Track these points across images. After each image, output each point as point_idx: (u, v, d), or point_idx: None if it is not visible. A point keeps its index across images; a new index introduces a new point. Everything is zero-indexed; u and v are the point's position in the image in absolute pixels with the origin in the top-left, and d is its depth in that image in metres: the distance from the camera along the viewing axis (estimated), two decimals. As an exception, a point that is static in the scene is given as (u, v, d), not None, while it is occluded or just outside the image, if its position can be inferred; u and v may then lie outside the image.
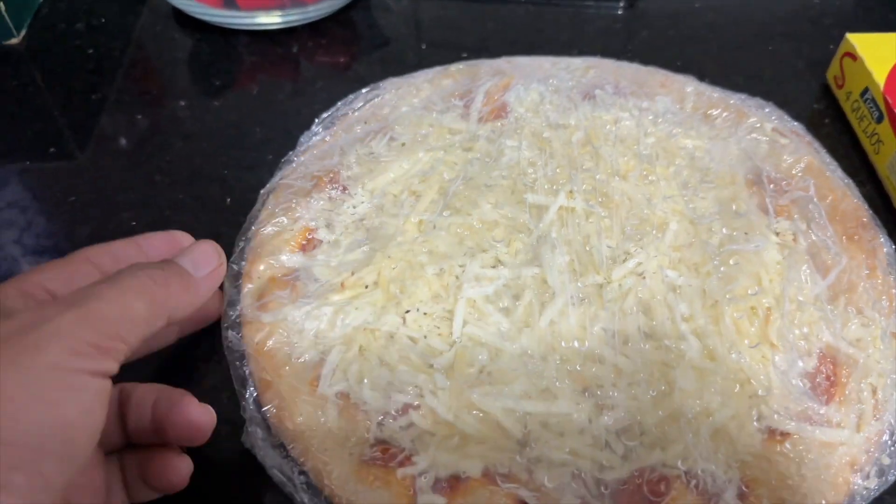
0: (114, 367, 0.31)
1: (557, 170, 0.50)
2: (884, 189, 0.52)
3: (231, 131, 0.59)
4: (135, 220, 0.53)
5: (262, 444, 0.41)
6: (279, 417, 0.41)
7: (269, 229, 0.48)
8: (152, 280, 0.34)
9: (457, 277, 0.45)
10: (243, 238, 0.49)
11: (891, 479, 0.39)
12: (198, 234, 0.50)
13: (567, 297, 0.44)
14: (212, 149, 0.57)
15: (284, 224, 0.48)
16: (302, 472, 0.39)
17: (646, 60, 0.59)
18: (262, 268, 0.46)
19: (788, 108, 0.55)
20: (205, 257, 0.39)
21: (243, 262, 0.47)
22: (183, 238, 0.43)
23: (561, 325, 0.43)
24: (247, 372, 0.43)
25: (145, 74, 0.64)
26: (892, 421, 0.41)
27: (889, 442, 0.40)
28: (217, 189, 0.54)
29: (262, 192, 0.51)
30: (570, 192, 0.48)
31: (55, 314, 0.29)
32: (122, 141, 0.58)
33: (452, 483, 0.39)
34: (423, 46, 0.66)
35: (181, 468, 0.38)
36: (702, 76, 0.57)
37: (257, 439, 0.41)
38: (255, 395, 0.42)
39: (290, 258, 0.47)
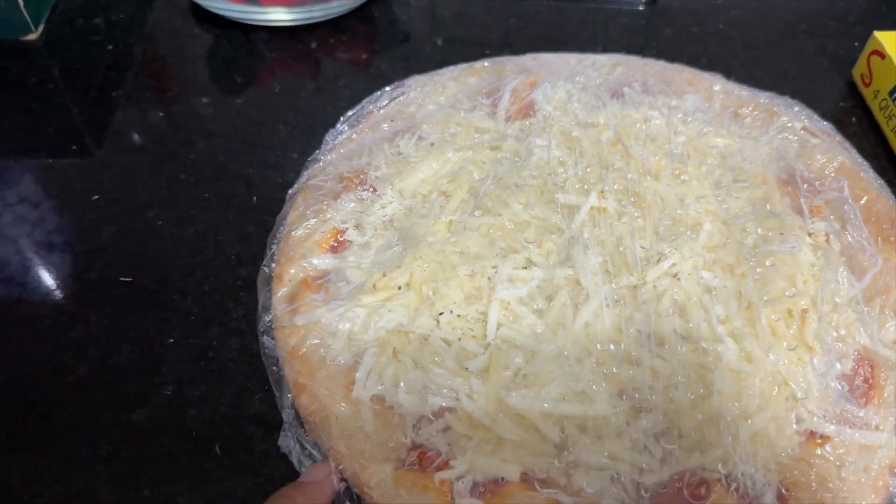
0: None
1: (588, 169, 0.49)
2: (914, 188, 0.52)
3: (254, 129, 0.58)
4: (160, 219, 0.52)
5: (298, 449, 0.40)
6: (316, 421, 0.40)
7: (299, 232, 0.48)
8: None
9: (489, 279, 0.45)
10: (274, 241, 0.48)
11: (928, 481, 0.39)
12: (225, 234, 0.51)
13: (601, 298, 0.44)
14: (235, 147, 0.57)
15: (314, 226, 0.48)
16: (342, 479, 0.39)
17: (669, 57, 0.59)
18: (293, 271, 0.46)
19: (814, 106, 0.54)
20: (317, 471, 0.40)
21: (274, 265, 0.47)
22: None
23: (596, 326, 0.43)
24: (282, 374, 0.42)
25: (164, 71, 0.64)
26: (930, 424, 0.40)
27: (927, 444, 0.40)
28: (242, 188, 0.54)
29: (289, 192, 0.51)
30: (602, 191, 0.48)
31: None
32: (142, 138, 0.58)
33: (491, 487, 0.38)
34: (439, 42, 0.65)
35: None
36: (727, 73, 0.57)
37: (294, 442, 0.41)
38: (291, 399, 0.42)
39: (321, 260, 0.46)
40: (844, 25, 0.66)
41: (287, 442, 0.41)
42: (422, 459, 0.39)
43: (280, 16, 0.64)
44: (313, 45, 0.65)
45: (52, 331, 0.47)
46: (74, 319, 0.47)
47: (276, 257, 0.47)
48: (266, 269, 0.47)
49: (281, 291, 0.45)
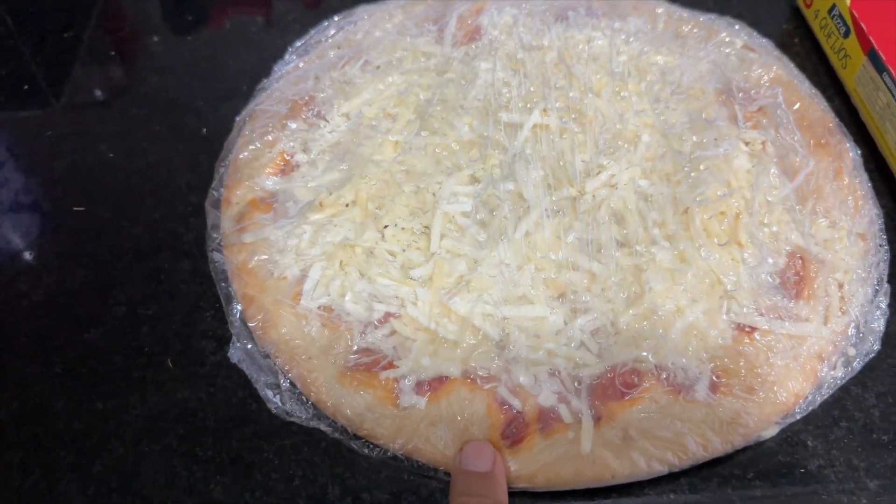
0: None
1: (532, 89, 0.50)
2: (851, 103, 0.53)
3: (204, 64, 0.59)
4: (112, 151, 0.53)
5: (248, 358, 0.42)
6: (264, 329, 0.42)
7: (245, 154, 0.48)
8: None
9: (433, 194, 0.46)
10: (222, 165, 0.49)
11: (856, 368, 0.41)
12: (176, 164, 0.52)
13: (542, 209, 0.45)
14: (186, 81, 0.58)
15: (261, 149, 0.48)
16: (288, 382, 0.40)
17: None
18: (241, 192, 0.47)
19: (758, 29, 0.55)
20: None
21: (222, 189, 0.48)
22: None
23: (536, 235, 0.44)
24: (231, 290, 0.44)
25: (117, 11, 0.64)
26: (857, 314, 0.42)
27: (854, 334, 0.42)
28: (193, 119, 0.55)
29: (237, 118, 0.51)
30: (545, 109, 0.49)
31: None
32: (97, 75, 0.59)
33: (434, 385, 0.40)
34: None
35: None
36: (673, 2, 0.58)
37: (244, 353, 0.42)
38: (240, 312, 0.43)
39: (268, 181, 0.47)
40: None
41: (237, 353, 0.42)
42: (368, 361, 0.40)
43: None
44: None
45: (6, 259, 0.47)
46: (29, 247, 0.48)
47: (224, 181, 0.48)
48: (214, 193, 0.48)
49: (229, 212, 0.46)
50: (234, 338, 0.42)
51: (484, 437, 0.38)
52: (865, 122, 0.52)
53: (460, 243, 0.44)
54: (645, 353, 0.40)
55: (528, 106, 0.49)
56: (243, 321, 0.43)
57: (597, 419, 0.39)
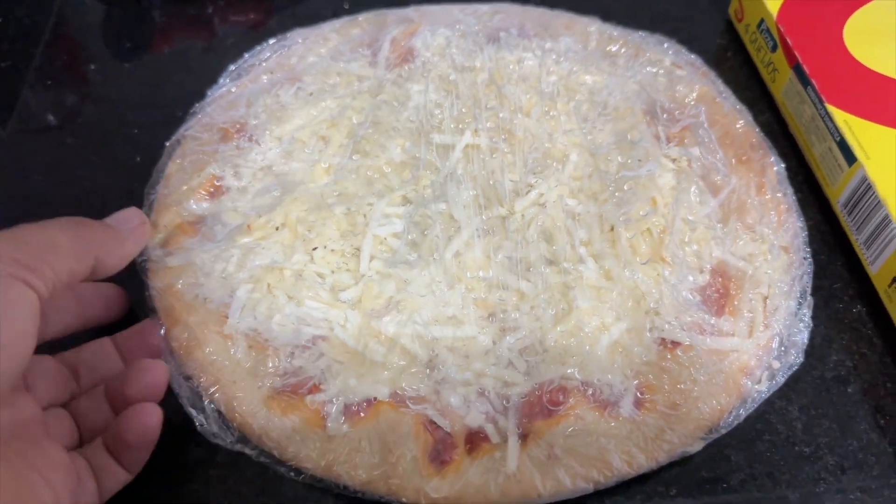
0: (40, 286, 0.32)
1: (463, 110, 0.51)
2: (781, 116, 0.55)
3: (142, 92, 0.59)
4: (46, 181, 0.53)
5: (173, 378, 0.41)
6: (187, 349, 0.41)
7: (174, 180, 0.48)
8: (75, 222, 0.36)
9: (364, 216, 0.46)
10: (152, 191, 0.49)
11: (780, 381, 0.41)
12: (110, 192, 0.51)
13: (472, 229, 0.45)
14: (122, 109, 0.58)
15: (190, 173, 0.48)
16: (212, 405, 0.40)
17: (556, 3, 0.60)
18: (168, 216, 0.46)
19: (693, 44, 0.57)
20: (126, 215, 0.41)
21: (152, 215, 0.47)
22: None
23: (466, 256, 0.44)
24: (156, 314, 0.43)
25: (55, 40, 0.63)
26: (781, 328, 0.43)
27: (777, 347, 0.42)
28: (128, 148, 0.55)
29: (167, 144, 0.51)
30: (475, 130, 0.49)
31: None
32: (34, 109, 0.58)
33: (362, 408, 0.40)
34: (346, 7, 0.66)
35: (152, 412, 0.37)
36: (609, 17, 0.59)
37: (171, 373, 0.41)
38: (163, 331, 0.42)
39: (197, 206, 0.47)
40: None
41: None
42: (293, 386, 0.40)
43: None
44: (209, 10, 0.65)
45: None
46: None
47: (153, 206, 0.47)
48: (143, 220, 0.47)
49: (156, 237, 0.45)
50: (162, 356, 0.42)
51: (412, 460, 0.38)
52: (794, 135, 0.54)
53: (390, 264, 0.44)
54: (571, 370, 0.40)
55: (460, 127, 0.50)
56: (167, 341, 0.42)
57: (523, 438, 0.39)
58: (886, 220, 0.45)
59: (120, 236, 0.39)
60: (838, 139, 0.49)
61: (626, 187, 0.46)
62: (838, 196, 0.50)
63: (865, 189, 0.47)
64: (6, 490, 0.29)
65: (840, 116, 0.49)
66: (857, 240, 0.48)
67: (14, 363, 0.31)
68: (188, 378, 0.41)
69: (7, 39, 0.63)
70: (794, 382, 0.43)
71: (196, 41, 0.63)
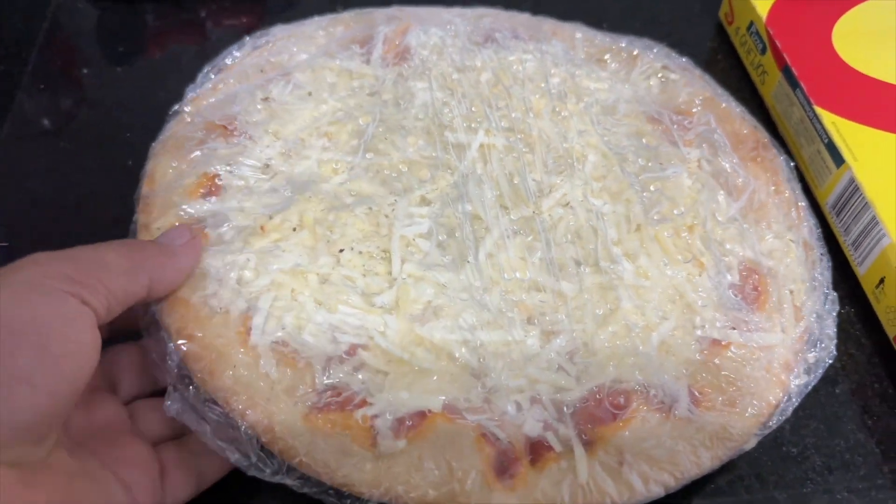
0: (95, 303, 0.31)
1: (473, 109, 0.49)
2: (771, 118, 0.56)
3: (135, 95, 0.58)
4: (40, 187, 0.52)
5: (188, 408, 0.36)
6: (210, 374, 0.36)
7: (164, 180, 0.43)
8: (126, 243, 0.36)
9: (387, 216, 0.43)
10: (139, 195, 0.43)
11: (818, 374, 0.42)
12: (104, 197, 0.51)
13: (501, 230, 0.43)
14: (116, 114, 0.57)
15: (182, 171, 0.43)
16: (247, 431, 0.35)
17: (546, 9, 0.59)
18: (161, 219, 0.41)
19: (684, 47, 0.57)
20: (176, 233, 0.39)
21: (141, 218, 0.42)
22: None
23: (499, 257, 0.42)
24: (162, 331, 0.37)
25: (49, 44, 0.62)
26: (811, 322, 0.43)
27: (811, 341, 0.43)
28: (122, 151, 0.53)
29: (153, 145, 0.46)
30: (488, 129, 0.47)
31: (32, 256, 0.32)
32: (27, 110, 0.57)
33: (415, 422, 0.36)
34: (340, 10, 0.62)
35: None
36: (600, 22, 0.59)
37: (182, 402, 0.36)
38: (176, 353, 0.37)
39: (193, 205, 0.42)
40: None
41: (175, 405, 0.36)
42: (339, 399, 0.36)
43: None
44: (202, 14, 0.64)
45: None
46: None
47: (141, 209, 0.42)
48: (135, 226, 0.42)
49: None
50: (169, 387, 0.36)
51: (478, 475, 0.35)
52: (783, 137, 0.55)
53: (423, 267, 0.41)
54: (628, 372, 0.39)
55: (473, 126, 0.48)
56: (179, 365, 0.37)
57: (589, 445, 0.37)
58: (874, 221, 0.47)
59: (172, 253, 0.37)
60: (826, 141, 0.51)
61: (652, 188, 0.45)
62: (827, 197, 0.51)
63: (853, 191, 0.49)
64: (77, 489, 0.31)
65: (828, 118, 0.51)
66: (846, 241, 0.50)
67: (73, 377, 0.30)
68: (211, 404, 0.36)
69: (1, 44, 0.62)
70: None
71: (189, 45, 0.62)
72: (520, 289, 0.41)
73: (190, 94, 0.49)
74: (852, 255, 0.49)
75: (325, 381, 0.37)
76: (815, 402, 0.44)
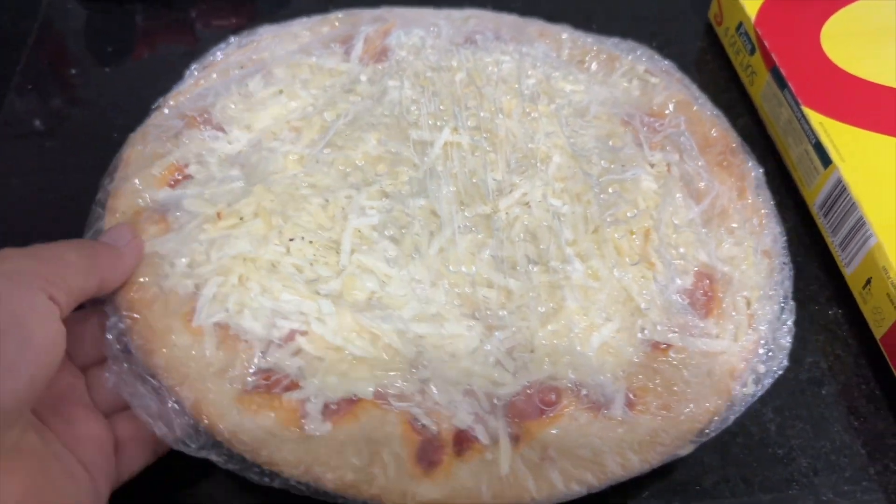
0: (59, 297, 0.33)
1: (441, 107, 0.49)
2: (759, 118, 0.56)
3: (124, 96, 0.59)
4: (25, 185, 0.53)
5: (125, 383, 0.37)
6: (148, 350, 0.37)
7: (133, 167, 0.45)
8: (81, 242, 0.39)
9: (342, 209, 0.44)
10: (109, 177, 0.45)
11: (766, 384, 0.41)
12: (88, 194, 0.48)
13: (455, 226, 0.44)
14: (103, 114, 0.58)
15: (150, 159, 0.45)
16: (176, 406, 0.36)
17: (533, 9, 0.59)
18: (125, 201, 0.43)
19: (673, 47, 0.57)
20: (118, 232, 0.41)
21: (109, 201, 0.44)
22: None
23: (449, 252, 0.43)
24: (110, 307, 0.39)
25: (39, 45, 0.63)
26: (766, 331, 0.42)
27: (763, 351, 0.42)
28: (107, 151, 0.50)
29: (131, 135, 0.48)
30: (455, 128, 0.48)
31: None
32: (16, 109, 0.58)
33: (344, 406, 0.37)
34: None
35: None
36: (588, 22, 0.59)
37: (120, 376, 0.37)
38: (118, 330, 0.38)
39: (158, 192, 0.44)
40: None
41: (113, 378, 0.37)
42: (269, 382, 0.37)
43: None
44: (193, 14, 0.65)
45: None
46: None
47: (109, 193, 0.44)
48: (100, 208, 0.44)
49: (112, 222, 0.42)
50: (108, 360, 0.38)
51: (398, 461, 0.36)
52: (772, 138, 0.55)
53: (372, 258, 0.42)
54: (563, 370, 0.39)
55: (439, 124, 0.48)
56: (121, 340, 0.38)
57: (515, 439, 0.37)
58: (860, 222, 0.46)
59: (118, 253, 0.39)
60: (814, 141, 0.50)
61: (610, 190, 0.46)
62: (815, 198, 0.51)
63: (840, 191, 0.48)
64: (48, 471, 0.32)
65: (816, 119, 0.50)
66: (833, 242, 0.49)
67: (49, 365, 0.32)
68: (148, 379, 0.37)
69: None
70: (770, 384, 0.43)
71: (178, 45, 0.63)
72: (466, 283, 0.42)
73: (174, 89, 0.51)
74: (840, 256, 0.49)
75: (260, 364, 0.38)
76: (802, 404, 0.44)
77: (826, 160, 0.49)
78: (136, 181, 0.44)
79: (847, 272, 0.48)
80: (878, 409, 0.45)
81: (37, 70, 0.61)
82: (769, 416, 0.43)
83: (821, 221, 0.50)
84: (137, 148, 0.46)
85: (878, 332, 0.46)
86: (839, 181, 0.48)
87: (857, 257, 0.46)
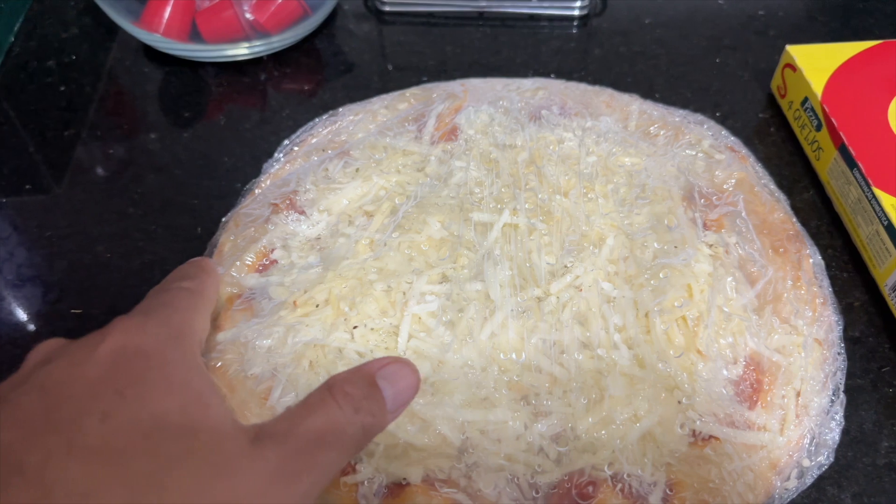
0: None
1: (503, 189, 0.52)
2: (825, 194, 0.55)
3: (200, 161, 0.61)
4: (109, 252, 0.55)
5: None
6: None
7: (228, 255, 0.51)
8: (185, 291, 0.41)
9: (403, 294, 0.47)
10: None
11: (809, 480, 0.41)
12: (170, 263, 0.53)
13: (507, 310, 0.46)
14: (182, 179, 0.60)
15: (242, 248, 0.51)
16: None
17: (599, 77, 0.61)
18: (222, 290, 0.49)
19: (735, 118, 0.57)
20: (201, 265, 0.45)
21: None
22: None
23: (501, 337, 0.45)
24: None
25: (116, 108, 0.66)
26: (813, 425, 0.43)
27: (809, 445, 0.42)
28: (188, 219, 0.57)
29: (223, 220, 0.54)
30: (514, 209, 0.50)
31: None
32: (97, 174, 0.61)
33: (393, 489, 0.41)
34: (390, 68, 0.68)
35: None
36: (651, 91, 0.60)
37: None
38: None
39: (247, 278, 0.49)
40: (765, 39, 0.69)
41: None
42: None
43: (225, 52, 0.67)
44: (262, 77, 0.68)
45: (2, 365, 0.49)
46: (27, 352, 0.50)
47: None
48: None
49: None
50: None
51: (439, 546, 0.39)
52: (839, 214, 0.54)
53: (426, 344, 0.45)
54: (603, 460, 0.41)
55: (500, 206, 0.51)
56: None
57: (552, 529, 0.39)
58: None
59: (202, 293, 0.42)
60: (886, 223, 0.49)
61: (661, 275, 0.47)
62: (886, 279, 0.49)
63: None
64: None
65: (888, 200, 0.49)
66: (904, 325, 0.48)
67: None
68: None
69: (68, 107, 0.66)
70: (846, 469, 0.43)
71: (251, 110, 0.65)
72: (515, 369, 0.45)
73: (266, 170, 0.57)
74: (911, 340, 0.48)
75: (324, 447, 0.42)
76: (880, 489, 0.43)
77: (899, 244, 0.48)
78: (233, 272, 0.49)
79: (917, 358, 0.47)
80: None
81: (111, 132, 0.64)
82: (847, 503, 0.42)
83: (892, 303, 0.49)
84: (231, 237, 0.52)
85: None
86: (912, 265, 0.46)
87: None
